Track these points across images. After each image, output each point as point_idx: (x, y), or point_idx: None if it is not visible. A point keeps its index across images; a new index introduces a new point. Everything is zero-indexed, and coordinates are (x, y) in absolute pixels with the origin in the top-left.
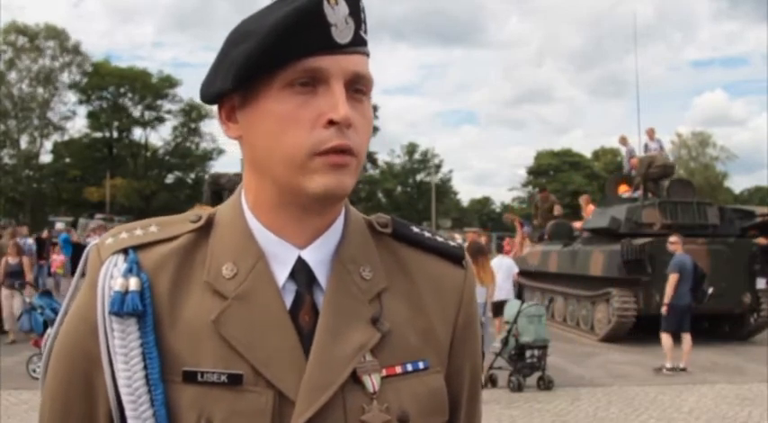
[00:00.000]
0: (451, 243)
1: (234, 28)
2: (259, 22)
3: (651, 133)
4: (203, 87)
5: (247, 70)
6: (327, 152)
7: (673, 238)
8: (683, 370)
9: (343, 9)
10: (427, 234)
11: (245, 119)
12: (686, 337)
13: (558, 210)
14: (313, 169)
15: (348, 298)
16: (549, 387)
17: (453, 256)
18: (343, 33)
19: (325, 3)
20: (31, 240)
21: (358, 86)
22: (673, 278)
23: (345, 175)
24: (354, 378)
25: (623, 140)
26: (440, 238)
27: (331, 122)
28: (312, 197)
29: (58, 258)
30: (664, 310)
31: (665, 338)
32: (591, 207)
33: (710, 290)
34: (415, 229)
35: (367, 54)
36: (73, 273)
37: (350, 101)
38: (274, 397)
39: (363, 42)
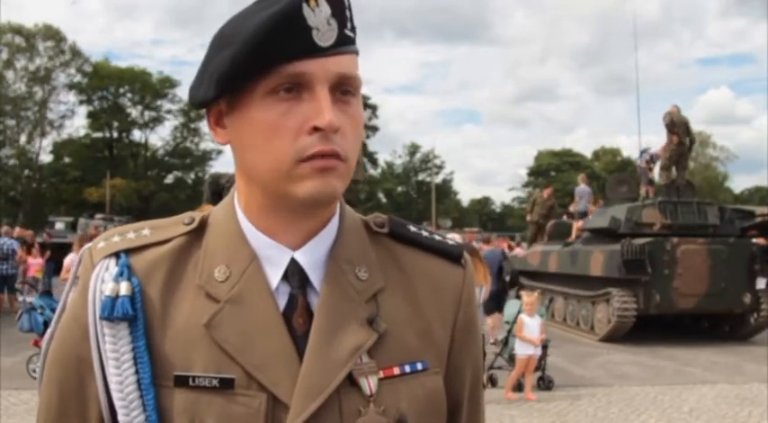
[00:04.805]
0: (450, 241)
1: (218, 30)
2: (241, 26)
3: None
4: (191, 92)
5: (228, 79)
6: (311, 158)
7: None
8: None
9: (325, 10)
10: (425, 233)
11: (231, 125)
12: (496, 316)
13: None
14: (299, 176)
15: (343, 299)
16: (549, 387)
17: (452, 255)
18: (325, 36)
19: (305, 6)
20: (10, 240)
21: (345, 88)
22: None
23: (333, 178)
24: (351, 380)
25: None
26: (438, 237)
27: (316, 129)
28: (301, 202)
29: (35, 262)
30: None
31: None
32: (583, 185)
33: (507, 278)
34: (413, 229)
35: (355, 52)
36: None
37: (337, 104)
38: (268, 401)
39: (349, 41)
